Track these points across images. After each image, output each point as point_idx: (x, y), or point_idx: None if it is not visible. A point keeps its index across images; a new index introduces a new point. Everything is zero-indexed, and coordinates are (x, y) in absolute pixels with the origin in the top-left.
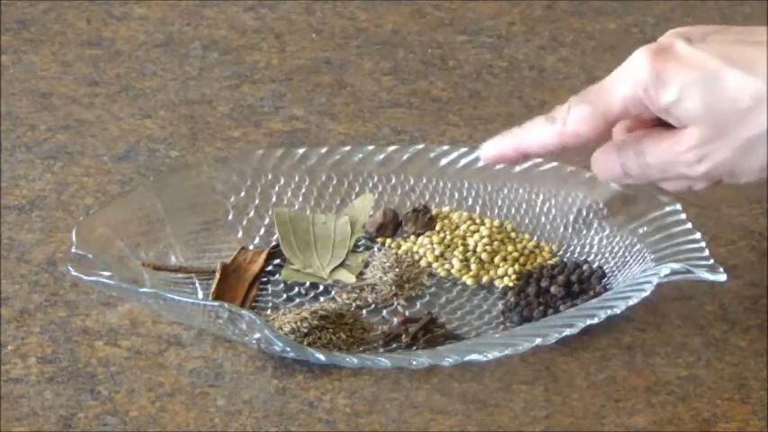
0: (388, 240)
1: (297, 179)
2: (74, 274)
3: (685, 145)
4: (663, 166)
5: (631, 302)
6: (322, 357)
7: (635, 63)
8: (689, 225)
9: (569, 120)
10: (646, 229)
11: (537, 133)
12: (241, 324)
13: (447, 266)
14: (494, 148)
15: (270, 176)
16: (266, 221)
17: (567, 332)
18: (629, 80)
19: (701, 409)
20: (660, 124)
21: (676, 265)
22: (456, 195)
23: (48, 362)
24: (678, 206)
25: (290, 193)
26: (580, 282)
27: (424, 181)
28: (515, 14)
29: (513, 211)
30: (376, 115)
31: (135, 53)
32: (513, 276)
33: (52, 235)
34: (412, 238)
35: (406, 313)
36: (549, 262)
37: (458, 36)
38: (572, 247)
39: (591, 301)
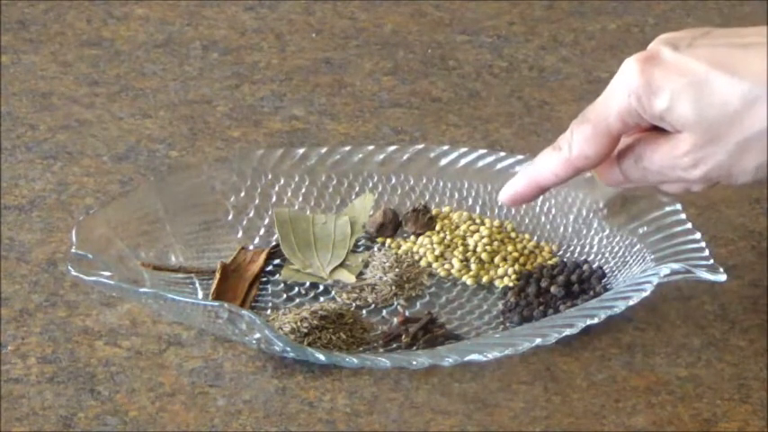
0: (388, 240)
1: (297, 179)
2: (74, 274)
3: (681, 150)
4: (661, 170)
5: (631, 302)
6: (322, 357)
7: (625, 73)
8: (689, 225)
9: (574, 144)
10: (646, 229)
11: (546, 164)
12: (241, 324)
13: (447, 266)
14: (509, 189)
15: (270, 176)
16: (266, 221)
17: (567, 332)
18: (621, 91)
19: (701, 409)
20: (656, 129)
21: (676, 265)
22: (456, 195)
23: (48, 362)
24: (678, 206)
25: (290, 193)
26: (580, 282)
27: (424, 181)
28: (515, 14)
29: (513, 211)
30: (376, 115)
31: (135, 53)
32: (513, 276)
33: (52, 235)
34: (412, 238)
35: (406, 313)
36: (549, 262)
37: (458, 36)
38: (572, 247)
39: (591, 301)
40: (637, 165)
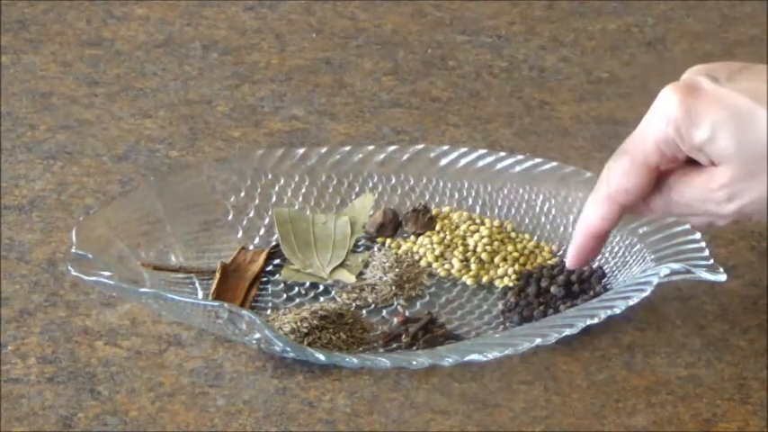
0: (388, 240)
1: (297, 179)
2: (74, 274)
3: (716, 183)
4: (690, 203)
5: (631, 302)
6: (322, 357)
7: (663, 103)
8: (689, 225)
9: (612, 178)
10: (646, 229)
11: (591, 211)
12: (241, 324)
13: (447, 266)
14: (570, 252)
15: (270, 176)
16: (266, 221)
17: (567, 332)
18: (659, 120)
19: (701, 409)
20: (689, 163)
21: (676, 265)
22: (456, 195)
23: (48, 362)
24: None
25: (290, 193)
26: (580, 282)
27: (424, 181)
28: (515, 14)
29: (513, 211)
30: (376, 115)
31: (135, 53)
32: (513, 276)
33: (52, 235)
34: (412, 238)
35: (406, 313)
36: (549, 262)
37: (458, 36)
38: None
39: (591, 301)
40: (662, 196)
